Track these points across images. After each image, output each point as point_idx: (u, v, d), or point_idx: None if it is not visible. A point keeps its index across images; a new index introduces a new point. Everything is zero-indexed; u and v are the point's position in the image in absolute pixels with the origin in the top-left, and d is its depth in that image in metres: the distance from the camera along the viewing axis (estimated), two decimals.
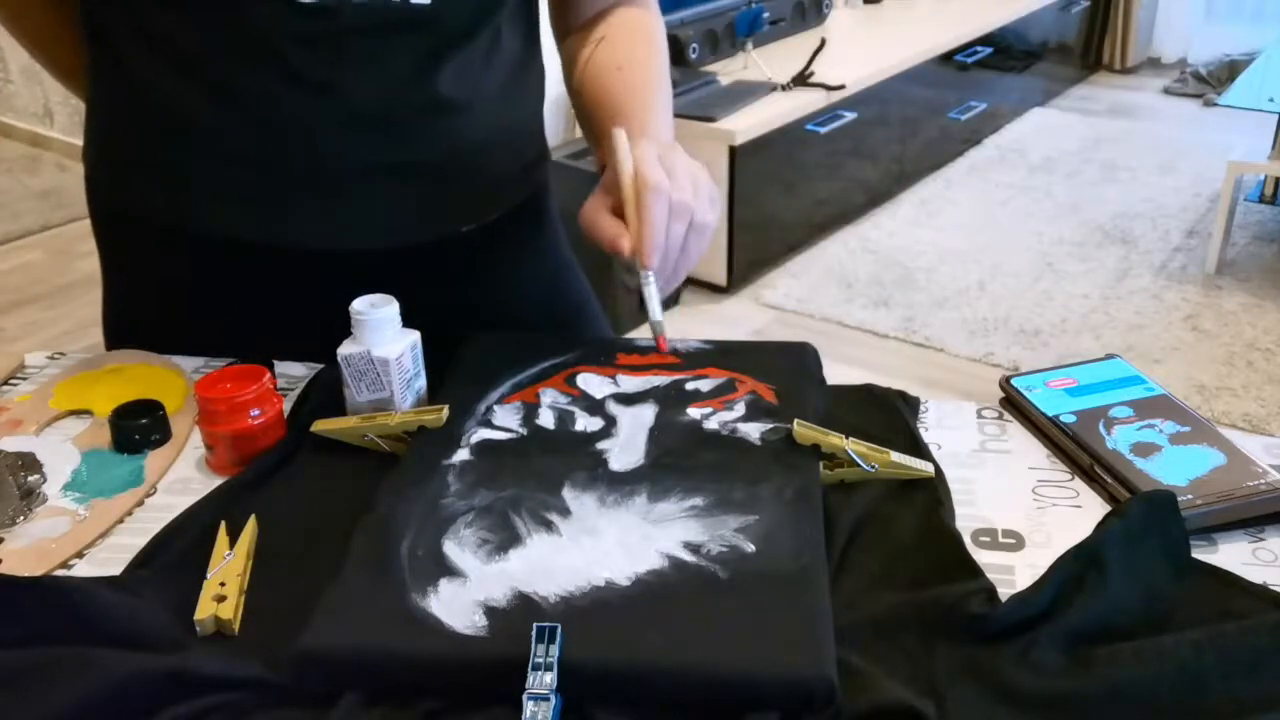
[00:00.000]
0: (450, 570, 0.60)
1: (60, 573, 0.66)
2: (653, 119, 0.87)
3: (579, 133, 3.25)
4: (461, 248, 0.92)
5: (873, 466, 0.69)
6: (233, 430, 0.74)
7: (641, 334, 1.06)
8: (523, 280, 0.98)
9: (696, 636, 0.55)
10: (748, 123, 3.03)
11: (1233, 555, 0.64)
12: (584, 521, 0.64)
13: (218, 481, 0.74)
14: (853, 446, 0.69)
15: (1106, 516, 0.63)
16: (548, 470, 0.68)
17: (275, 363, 0.86)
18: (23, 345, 2.94)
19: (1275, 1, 5.06)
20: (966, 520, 0.67)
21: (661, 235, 0.73)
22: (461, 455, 0.70)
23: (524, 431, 0.73)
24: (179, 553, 0.66)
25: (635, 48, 0.94)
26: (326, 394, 0.82)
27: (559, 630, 0.54)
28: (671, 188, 0.73)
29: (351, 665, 0.55)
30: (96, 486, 0.73)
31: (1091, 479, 0.71)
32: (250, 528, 0.67)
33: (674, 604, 0.57)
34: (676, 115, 3.04)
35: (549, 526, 0.63)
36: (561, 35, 1.00)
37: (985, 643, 0.57)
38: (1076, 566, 0.59)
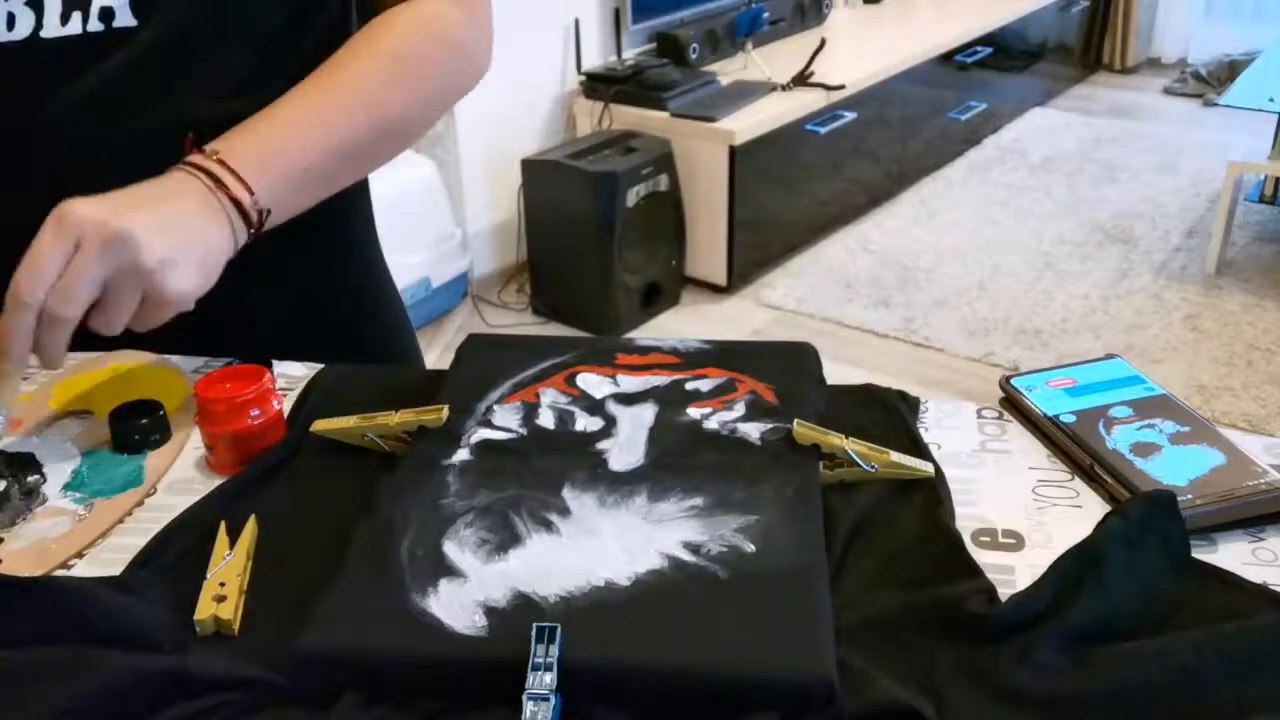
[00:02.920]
0: (450, 570, 0.60)
1: (60, 573, 0.66)
2: (246, 133, 0.76)
3: (580, 132, 3.26)
4: None
5: (873, 466, 0.69)
6: (233, 430, 0.74)
7: (641, 334, 1.06)
8: None
9: (696, 636, 0.55)
10: (748, 123, 3.03)
11: (1233, 555, 0.64)
12: (584, 521, 0.64)
13: (218, 481, 0.74)
14: (853, 446, 0.69)
15: (1106, 516, 0.63)
16: (548, 470, 0.68)
17: (275, 363, 0.86)
18: None
19: (1275, 1, 5.05)
20: (966, 520, 0.67)
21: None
22: (461, 455, 0.70)
23: (524, 431, 0.73)
24: (179, 553, 0.66)
25: (348, 48, 0.82)
26: (326, 394, 0.82)
27: (559, 630, 0.54)
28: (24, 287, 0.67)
29: (351, 665, 0.55)
30: (96, 486, 0.73)
31: (1091, 479, 0.71)
32: (250, 528, 0.67)
33: (674, 604, 0.57)
34: (677, 115, 3.06)
35: (549, 526, 0.63)
36: None
37: (985, 643, 0.57)
38: (1076, 566, 0.59)
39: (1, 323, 0.69)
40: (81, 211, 0.68)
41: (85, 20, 0.79)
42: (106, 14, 0.80)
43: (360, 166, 0.86)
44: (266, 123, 0.78)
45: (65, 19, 0.79)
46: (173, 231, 0.71)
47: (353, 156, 0.82)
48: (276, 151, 0.77)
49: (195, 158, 0.74)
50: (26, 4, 0.78)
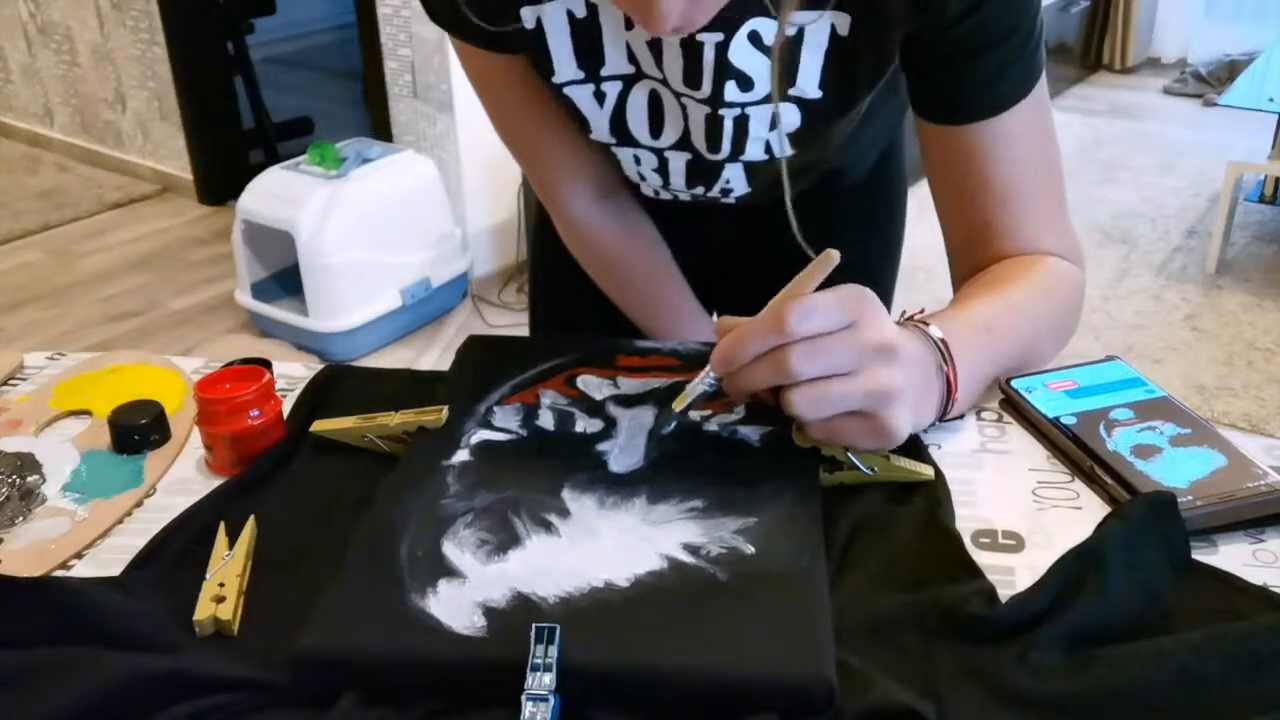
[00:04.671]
0: (449, 571, 0.60)
1: (60, 573, 0.66)
2: (959, 318, 0.75)
3: None
4: None
5: (872, 469, 0.69)
6: (232, 430, 0.74)
7: (640, 335, 1.06)
8: None
9: (695, 638, 0.55)
10: None
11: (1233, 556, 0.64)
12: (583, 523, 0.64)
13: (217, 482, 0.74)
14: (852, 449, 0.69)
15: (1106, 518, 0.63)
16: (547, 471, 0.68)
17: (275, 363, 0.86)
18: (23, 345, 2.94)
19: (1275, 1, 5.06)
20: (966, 521, 0.67)
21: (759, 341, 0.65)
22: (461, 456, 0.70)
23: (524, 432, 0.73)
24: (178, 553, 0.66)
25: (1018, 278, 0.82)
26: (326, 394, 0.82)
27: (558, 631, 0.54)
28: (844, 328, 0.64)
29: (350, 666, 0.55)
30: (96, 487, 0.73)
31: (1092, 480, 0.71)
32: (249, 528, 0.67)
33: (673, 605, 0.57)
34: None
35: (548, 528, 0.63)
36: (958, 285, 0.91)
37: (985, 644, 0.57)
38: (1077, 568, 0.59)
39: (736, 332, 0.66)
40: (874, 306, 0.66)
41: (708, 190, 0.93)
42: (725, 192, 0.93)
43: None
44: (986, 334, 0.76)
45: (690, 185, 0.93)
46: (921, 374, 0.69)
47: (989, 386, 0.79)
48: (979, 368, 0.75)
49: (924, 328, 0.72)
50: (662, 186, 0.94)
